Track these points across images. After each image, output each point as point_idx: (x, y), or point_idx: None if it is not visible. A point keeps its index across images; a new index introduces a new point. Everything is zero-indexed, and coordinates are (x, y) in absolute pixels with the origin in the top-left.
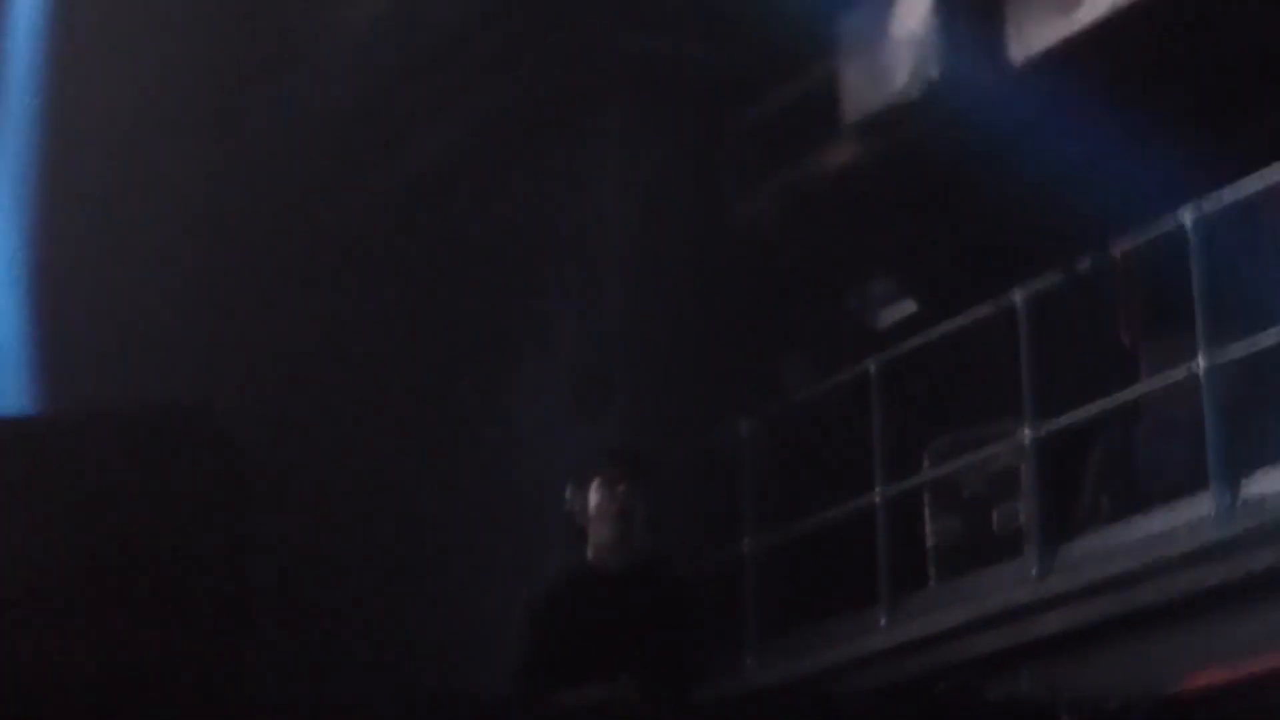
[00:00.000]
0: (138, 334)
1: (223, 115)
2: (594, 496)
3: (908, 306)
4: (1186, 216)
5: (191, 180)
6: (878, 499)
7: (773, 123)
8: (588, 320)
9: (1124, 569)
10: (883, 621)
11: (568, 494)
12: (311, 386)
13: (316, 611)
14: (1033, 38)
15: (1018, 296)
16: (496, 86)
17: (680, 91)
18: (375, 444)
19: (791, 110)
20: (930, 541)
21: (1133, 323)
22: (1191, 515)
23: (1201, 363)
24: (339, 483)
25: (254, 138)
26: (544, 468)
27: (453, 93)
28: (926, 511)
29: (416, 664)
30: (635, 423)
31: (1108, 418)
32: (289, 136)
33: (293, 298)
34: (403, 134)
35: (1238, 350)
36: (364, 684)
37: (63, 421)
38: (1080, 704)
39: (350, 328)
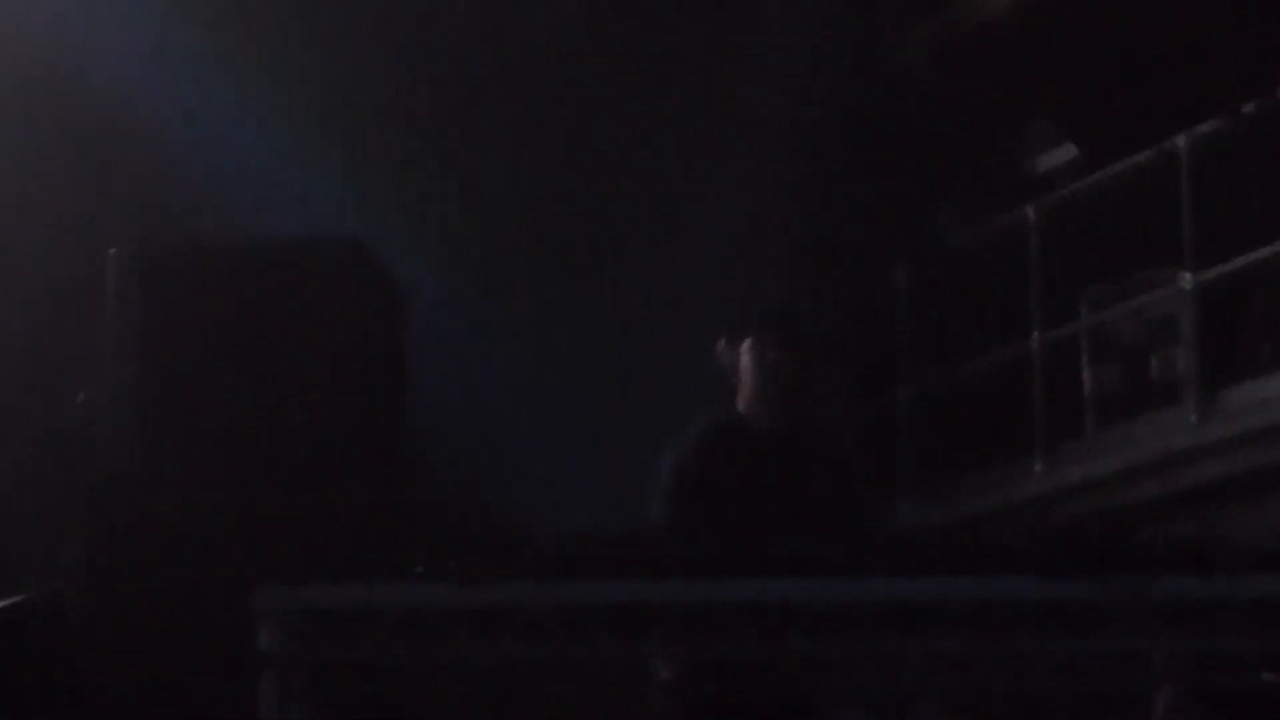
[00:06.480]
0: (290, 166)
1: None
2: (745, 357)
3: (1067, 151)
4: None
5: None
6: (1035, 345)
7: None
8: (747, 171)
9: None
10: (1039, 468)
11: (718, 348)
12: (466, 225)
13: (471, 449)
14: None
15: (1181, 141)
16: None
17: None
18: (531, 287)
19: None
20: (1087, 389)
21: None
22: None
23: None
24: (494, 321)
25: None
26: (699, 322)
27: None
28: (1084, 358)
29: (569, 508)
30: (793, 271)
31: (1270, 264)
32: None
33: (451, 136)
34: None
35: None
36: (515, 523)
37: (222, 250)
38: (1237, 547)
39: (506, 170)
